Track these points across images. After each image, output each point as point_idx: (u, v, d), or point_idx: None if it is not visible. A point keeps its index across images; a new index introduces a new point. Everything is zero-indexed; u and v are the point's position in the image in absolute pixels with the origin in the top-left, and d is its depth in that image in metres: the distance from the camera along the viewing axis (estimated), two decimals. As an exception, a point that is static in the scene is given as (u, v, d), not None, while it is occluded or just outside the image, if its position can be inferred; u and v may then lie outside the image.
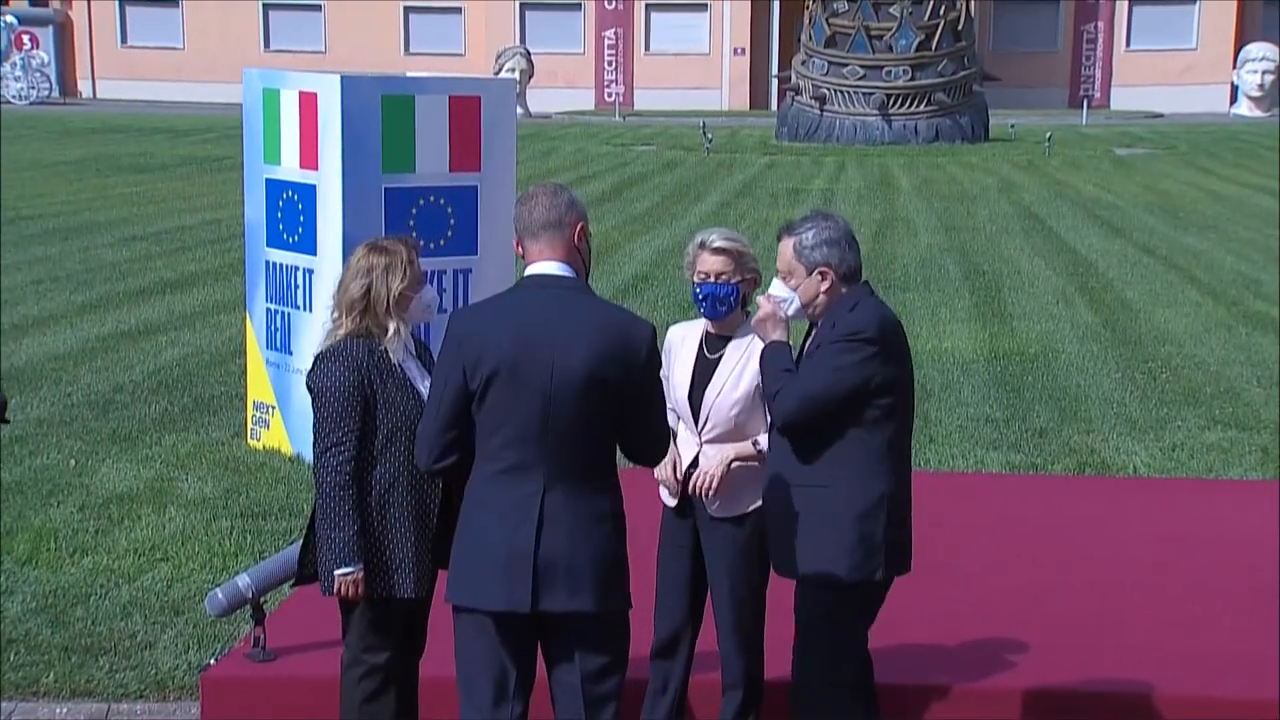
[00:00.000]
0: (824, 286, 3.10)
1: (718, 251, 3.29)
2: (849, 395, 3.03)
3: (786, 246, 3.14)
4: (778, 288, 3.16)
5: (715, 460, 3.30)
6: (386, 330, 3.18)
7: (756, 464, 3.30)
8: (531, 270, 2.86)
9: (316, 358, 3.23)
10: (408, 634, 3.29)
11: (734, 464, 3.31)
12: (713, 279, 3.30)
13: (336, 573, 3.15)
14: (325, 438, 3.15)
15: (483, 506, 2.82)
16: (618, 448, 2.86)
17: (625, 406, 2.79)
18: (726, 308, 3.30)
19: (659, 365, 2.87)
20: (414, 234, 5.58)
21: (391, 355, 3.19)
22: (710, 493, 3.32)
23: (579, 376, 2.75)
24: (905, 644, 3.90)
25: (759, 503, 3.27)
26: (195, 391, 7.12)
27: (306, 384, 3.22)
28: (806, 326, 3.23)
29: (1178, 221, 14.16)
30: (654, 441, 2.89)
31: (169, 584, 4.61)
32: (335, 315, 3.24)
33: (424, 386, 3.17)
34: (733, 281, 3.28)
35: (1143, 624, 4.21)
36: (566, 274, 2.83)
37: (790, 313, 3.17)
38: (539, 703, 2.91)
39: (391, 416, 3.16)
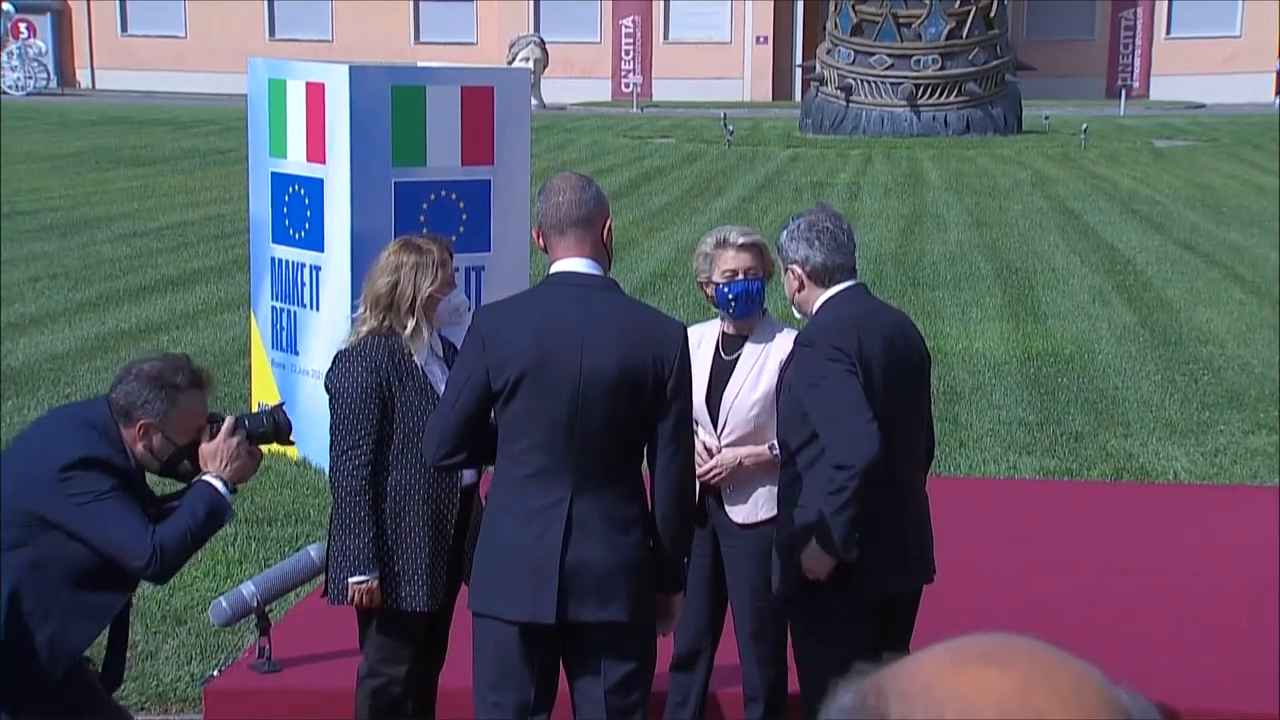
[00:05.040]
0: (794, 285, 3.04)
1: (743, 248, 3.23)
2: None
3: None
4: None
5: (728, 456, 3.24)
6: (406, 328, 3.11)
7: (771, 467, 3.21)
8: (558, 268, 2.78)
9: (336, 356, 3.17)
10: (427, 645, 3.21)
11: (748, 460, 3.22)
12: (741, 276, 3.22)
13: (350, 580, 3.09)
14: (341, 441, 3.09)
15: (506, 512, 2.74)
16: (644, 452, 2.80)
17: (655, 409, 2.70)
18: (758, 304, 3.25)
19: (690, 366, 2.79)
20: (424, 229, 5.45)
21: (415, 357, 3.11)
22: (718, 480, 3.23)
23: (609, 377, 2.68)
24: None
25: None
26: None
27: (324, 384, 3.16)
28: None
29: (1220, 216, 13.93)
30: (682, 447, 2.77)
31: (170, 592, 4.54)
32: (360, 311, 3.19)
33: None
34: (759, 276, 3.25)
35: (1184, 637, 4.11)
36: (595, 271, 2.77)
37: (799, 316, 3.13)
38: (559, 715, 2.84)
39: (408, 421, 3.08)
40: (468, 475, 3.16)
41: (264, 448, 2.89)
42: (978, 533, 4.89)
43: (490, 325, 2.74)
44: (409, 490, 3.08)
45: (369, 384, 3.06)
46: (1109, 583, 4.50)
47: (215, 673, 3.86)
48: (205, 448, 2.73)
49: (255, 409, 6.09)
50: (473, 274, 5.76)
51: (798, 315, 3.13)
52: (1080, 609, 4.27)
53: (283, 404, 2.90)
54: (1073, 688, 0.74)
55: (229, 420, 2.75)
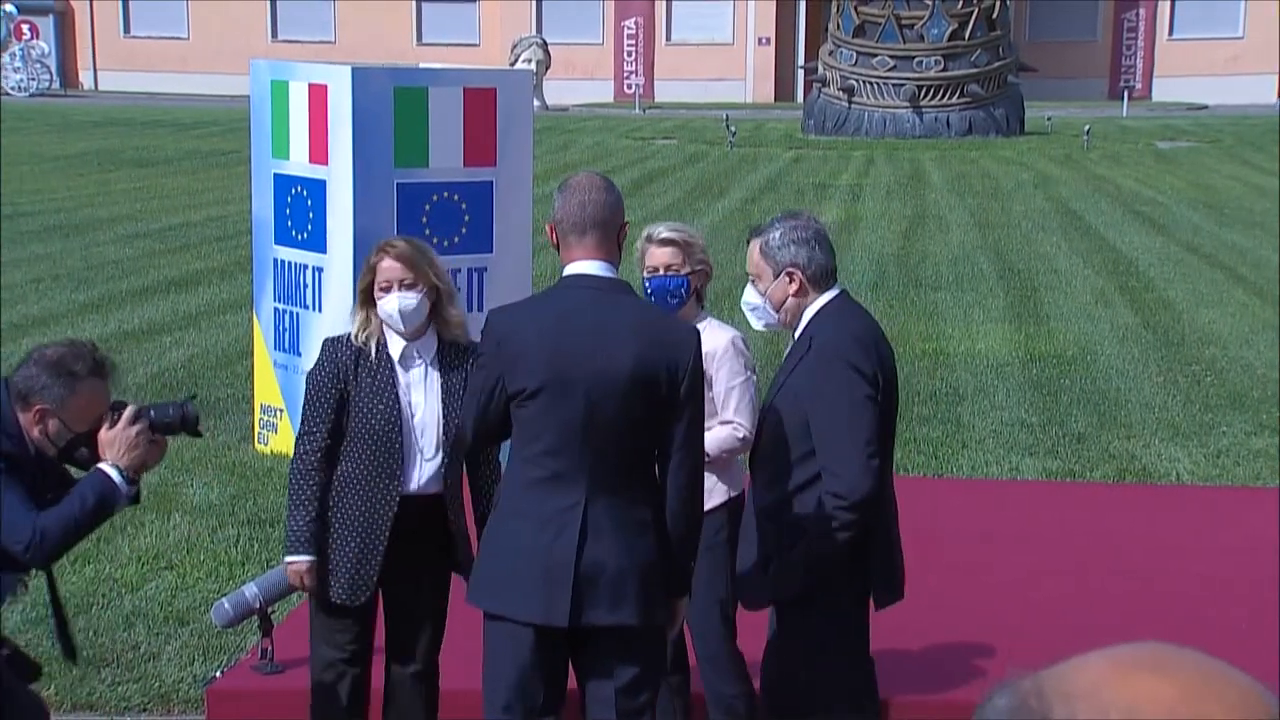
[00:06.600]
0: (792, 289, 2.96)
1: (664, 243, 3.26)
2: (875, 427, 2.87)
3: (754, 248, 3.03)
4: (750, 294, 3.07)
5: None
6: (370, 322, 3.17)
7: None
8: (572, 269, 2.78)
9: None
10: (358, 638, 3.22)
11: None
12: (661, 272, 3.26)
13: (285, 559, 3.16)
14: (301, 425, 3.20)
15: (520, 515, 2.74)
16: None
17: (668, 411, 2.70)
18: (677, 300, 3.26)
19: (702, 369, 2.79)
20: (427, 231, 5.47)
21: (391, 352, 3.15)
22: None
23: (622, 380, 2.68)
24: (933, 657, 3.73)
25: (712, 503, 3.12)
26: (200, 394, 6.97)
27: None
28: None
29: (1222, 218, 13.91)
30: (693, 451, 2.76)
31: (173, 593, 4.56)
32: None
33: (421, 397, 3.12)
34: (682, 273, 3.25)
35: (1185, 638, 3.98)
36: (609, 274, 2.77)
37: (763, 324, 3.06)
38: (567, 717, 2.84)
39: (356, 419, 3.13)
40: (416, 484, 3.13)
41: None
42: (979, 534, 4.90)
43: (504, 327, 2.74)
44: (348, 485, 3.13)
45: (327, 374, 3.15)
46: (1111, 584, 4.50)
47: (218, 674, 3.87)
48: (104, 435, 2.72)
49: (257, 409, 6.12)
50: (474, 275, 5.76)
51: (760, 323, 3.03)
52: (1082, 610, 4.27)
53: (194, 395, 2.88)
54: (1240, 698, 0.75)
55: (130, 409, 2.73)
